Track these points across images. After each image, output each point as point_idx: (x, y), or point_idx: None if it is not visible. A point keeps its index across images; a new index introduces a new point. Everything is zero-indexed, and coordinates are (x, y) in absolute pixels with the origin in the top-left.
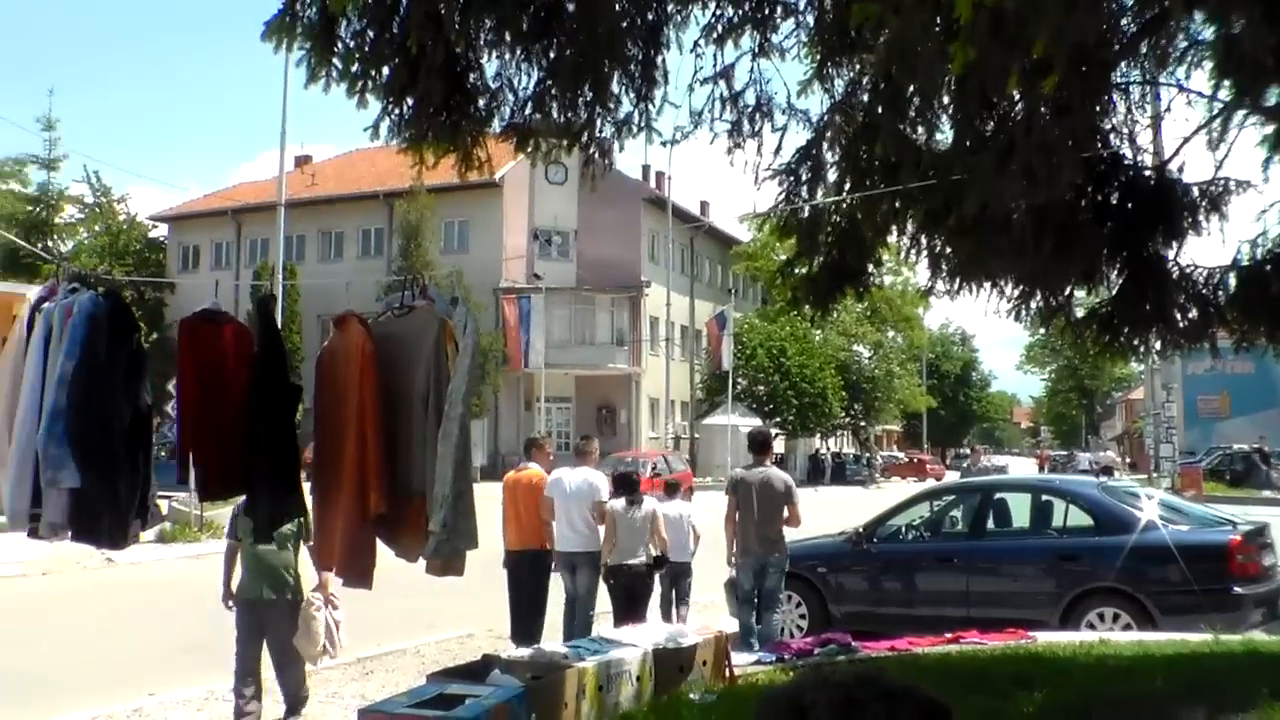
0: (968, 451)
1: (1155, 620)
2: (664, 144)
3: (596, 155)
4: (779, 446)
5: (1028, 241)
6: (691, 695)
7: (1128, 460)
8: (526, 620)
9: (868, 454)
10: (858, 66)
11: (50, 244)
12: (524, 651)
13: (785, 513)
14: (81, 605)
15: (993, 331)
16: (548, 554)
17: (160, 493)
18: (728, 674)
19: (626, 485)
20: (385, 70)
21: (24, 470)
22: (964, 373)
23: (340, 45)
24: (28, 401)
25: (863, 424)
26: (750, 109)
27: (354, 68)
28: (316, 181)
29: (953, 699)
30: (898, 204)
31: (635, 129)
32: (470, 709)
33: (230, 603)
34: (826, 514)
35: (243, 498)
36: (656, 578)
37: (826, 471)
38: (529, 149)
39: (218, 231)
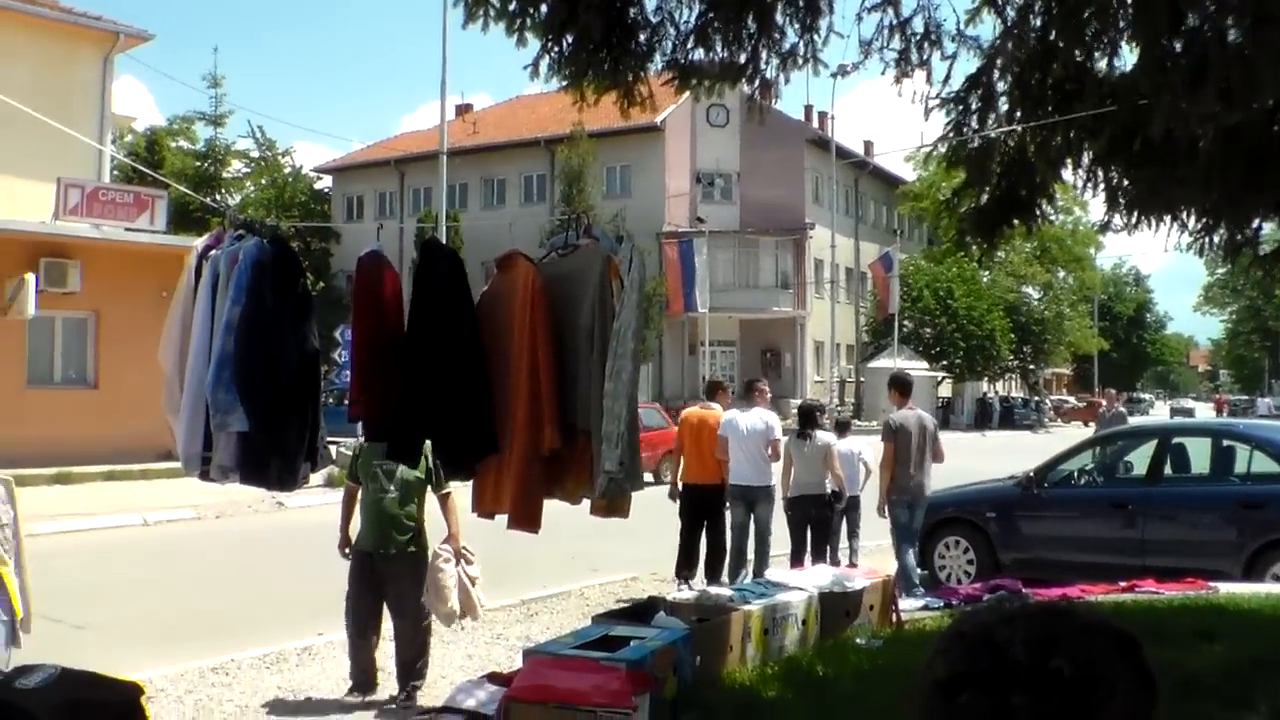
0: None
1: None
2: (832, 76)
3: (760, 91)
4: (946, 390)
5: (1215, 169)
6: (858, 640)
7: None
8: (705, 550)
9: (1036, 398)
10: None
11: (219, 197)
12: (689, 594)
13: (935, 450)
14: (253, 548)
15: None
16: (723, 488)
17: (329, 438)
18: (894, 619)
19: (808, 418)
20: (543, 7)
21: (196, 415)
22: (1138, 314)
23: None
24: (197, 348)
25: (1031, 367)
26: (918, 36)
27: (512, 5)
28: (478, 130)
29: None
30: (1073, 133)
31: (801, 61)
32: (635, 650)
33: (347, 551)
34: (994, 459)
35: (361, 438)
36: (835, 510)
37: (994, 416)
38: (691, 86)
39: (381, 181)
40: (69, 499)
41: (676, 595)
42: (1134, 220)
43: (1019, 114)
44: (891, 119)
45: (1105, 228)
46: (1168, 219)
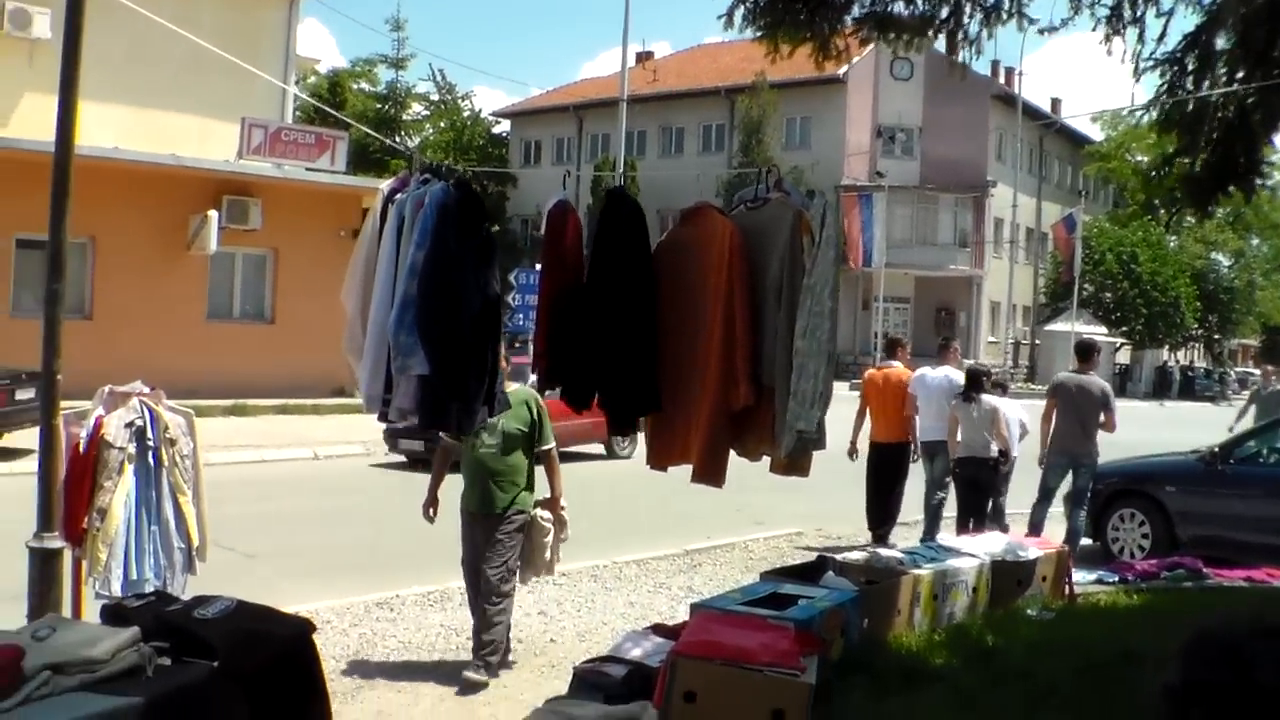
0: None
1: None
2: (1039, 32)
3: (962, 46)
4: (1124, 357)
5: None
6: (1029, 611)
7: None
8: (887, 505)
9: (1221, 369)
10: None
11: (399, 139)
12: (860, 555)
13: (1101, 417)
14: (420, 485)
15: None
16: (909, 445)
17: None
18: (1067, 591)
19: (974, 382)
20: None
21: (379, 357)
22: None
23: None
24: (381, 291)
25: (1217, 337)
26: None
27: None
28: (658, 77)
29: None
30: None
31: (1005, 16)
32: (803, 610)
33: (432, 512)
34: (1172, 429)
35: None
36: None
37: (1173, 385)
38: (889, 40)
39: (559, 127)
40: (243, 430)
41: (846, 556)
42: None
43: (1239, 75)
44: (1080, 76)
45: (1246, 196)
46: None
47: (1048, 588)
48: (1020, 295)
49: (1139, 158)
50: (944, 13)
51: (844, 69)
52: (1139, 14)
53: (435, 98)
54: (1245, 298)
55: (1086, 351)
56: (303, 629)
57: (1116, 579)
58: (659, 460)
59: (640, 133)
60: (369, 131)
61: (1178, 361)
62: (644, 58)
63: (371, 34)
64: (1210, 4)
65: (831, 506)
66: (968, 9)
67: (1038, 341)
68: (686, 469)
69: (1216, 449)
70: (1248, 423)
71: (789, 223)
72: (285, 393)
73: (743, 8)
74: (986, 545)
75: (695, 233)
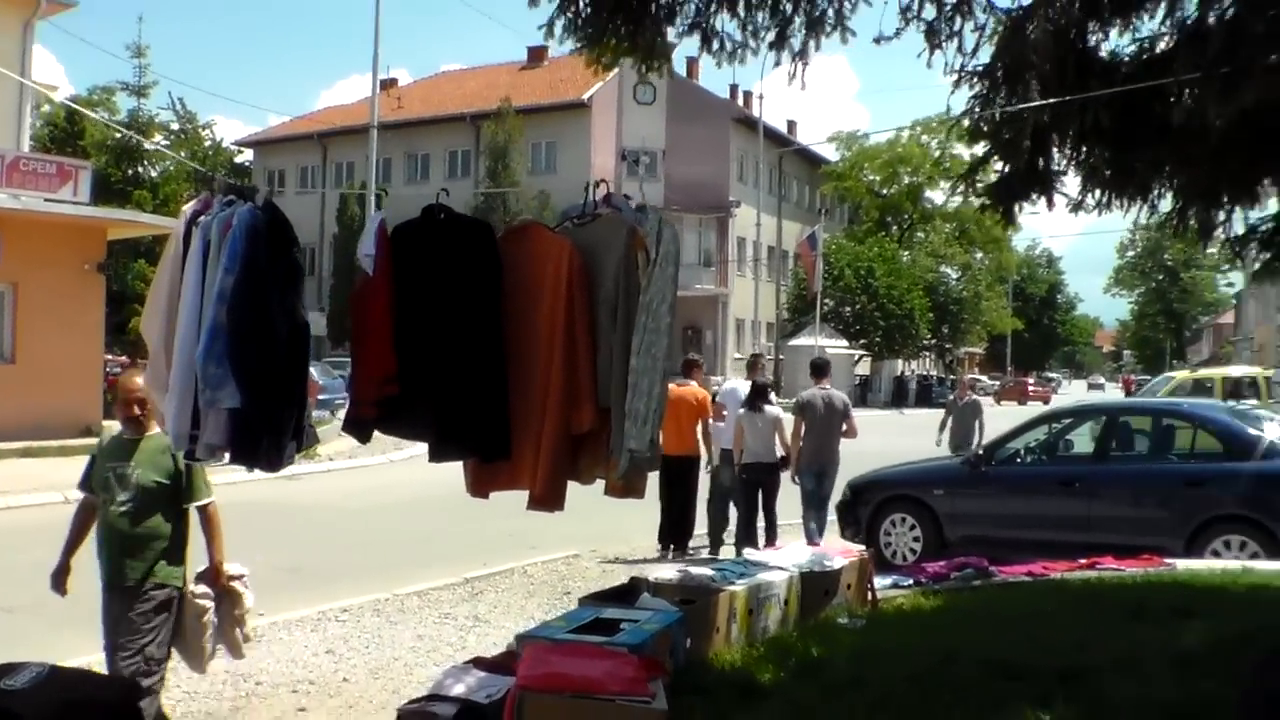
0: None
1: None
2: (875, 41)
3: (791, 58)
4: (864, 368)
5: (1228, 149)
6: (840, 620)
7: None
8: (680, 517)
9: (953, 376)
10: None
11: (141, 169)
12: (670, 574)
13: (844, 427)
14: None
15: (1078, 254)
16: (698, 459)
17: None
18: (870, 597)
19: (760, 393)
20: None
21: (186, 390)
22: (1049, 295)
23: None
24: (187, 319)
25: (948, 346)
26: (950, 8)
27: None
28: (403, 104)
29: (1118, 628)
30: (1086, 111)
31: (829, 29)
32: (633, 634)
33: (63, 581)
34: (915, 436)
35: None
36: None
37: (910, 394)
38: (713, 51)
39: (303, 156)
40: None
41: (658, 576)
42: (1106, 200)
43: (1039, 89)
44: (814, 98)
45: (1077, 207)
46: (1139, 200)
47: (852, 595)
48: (764, 312)
49: (871, 176)
50: (768, 24)
51: (588, 94)
52: (956, 29)
53: (176, 127)
54: (972, 308)
55: (822, 369)
56: (128, 692)
57: (911, 582)
58: (484, 486)
59: (386, 160)
60: (174, 155)
61: (913, 371)
62: (387, 85)
63: (103, 61)
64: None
65: (602, 526)
66: (796, 20)
67: (782, 356)
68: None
69: (980, 452)
70: (948, 434)
71: (622, 239)
72: (29, 434)
73: (564, 18)
74: (793, 557)
75: (525, 251)
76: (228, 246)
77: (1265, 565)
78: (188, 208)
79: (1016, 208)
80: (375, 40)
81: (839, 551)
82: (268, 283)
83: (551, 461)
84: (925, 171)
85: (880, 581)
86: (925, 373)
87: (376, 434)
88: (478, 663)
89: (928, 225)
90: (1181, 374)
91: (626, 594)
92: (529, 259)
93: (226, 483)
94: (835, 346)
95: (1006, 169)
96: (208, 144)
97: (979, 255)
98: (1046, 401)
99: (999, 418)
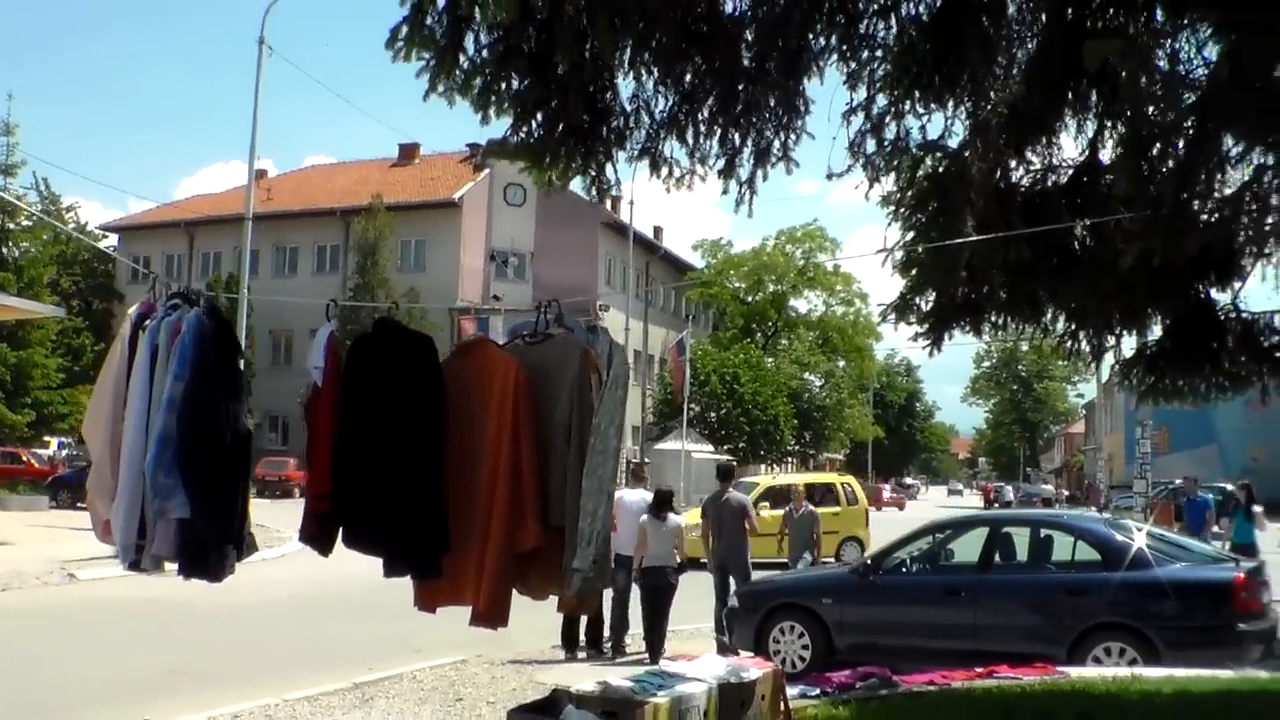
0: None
1: (1160, 655)
2: (828, 177)
3: (738, 186)
4: None
5: (1134, 282)
6: None
7: (1064, 493)
8: (593, 620)
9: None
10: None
11: (5, 251)
12: (592, 687)
13: (745, 525)
14: (50, 625)
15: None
16: None
17: None
18: (784, 709)
19: (664, 502)
20: (514, 82)
21: (134, 500)
22: (908, 403)
23: (465, 57)
24: (135, 427)
25: (811, 452)
26: (889, 144)
27: (477, 80)
28: (273, 196)
29: None
30: (1011, 246)
31: (774, 159)
32: None
33: None
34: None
35: None
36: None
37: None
38: (663, 177)
39: (169, 243)
40: None
41: (579, 688)
42: (1003, 323)
43: (974, 224)
44: (680, 204)
45: (975, 331)
46: (1034, 323)
47: (766, 706)
48: (631, 415)
49: (737, 283)
50: (715, 152)
51: (459, 193)
52: (895, 163)
53: (39, 208)
54: (835, 415)
55: (728, 473)
56: None
57: (818, 692)
58: (430, 601)
59: (254, 251)
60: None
61: (776, 476)
62: (257, 175)
63: None
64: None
65: (483, 630)
66: (745, 151)
67: (648, 460)
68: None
69: (868, 561)
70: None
71: (575, 360)
72: None
73: (519, 136)
74: (709, 669)
75: (474, 368)
76: (177, 352)
77: (1151, 672)
78: (132, 311)
79: (946, 335)
80: (253, 132)
81: (753, 663)
82: (215, 390)
83: (494, 579)
84: (790, 280)
85: (790, 692)
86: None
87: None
88: None
89: (792, 333)
90: (766, 479)
91: (550, 706)
92: (476, 376)
93: (94, 578)
94: (701, 451)
95: (939, 300)
96: (71, 227)
97: (841, 363)
98: (901, 508)
99: None
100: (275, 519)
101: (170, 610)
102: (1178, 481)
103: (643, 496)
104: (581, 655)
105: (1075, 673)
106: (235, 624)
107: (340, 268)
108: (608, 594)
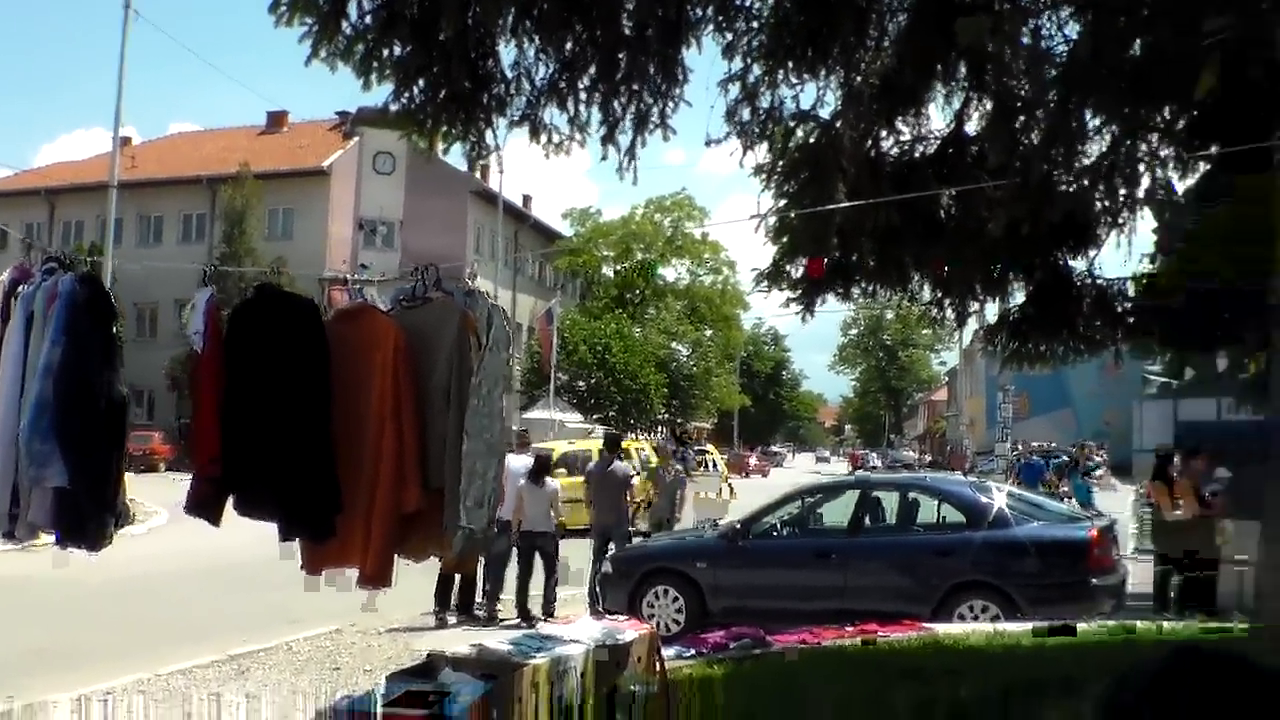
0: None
1: (1021, 611)
2: (707, 144)
3: (618, 153)
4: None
5: (998, 249)
6: (633, 687)
7: (927, 458)
8: (466, 583)
9: (684, 449)
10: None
11: None
12: (469, 650)
13: (626, 496)
14: None
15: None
16: None
17: None
18: (659, 669)
19: (543, 467)
20: (396, 49)
21: (6, 468)
22: (775, 372)
23: (349, 23)
24: (8, 394)
25: (680, 420)
26: (764, 113)
27: (359, 46)
28: (137, 164)
29: (896, 689)
30: (881, 213)
31: (653, 127)
32: (451, 707)
33: None
34: None
35: None
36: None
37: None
38: (543, 144)
39: (28, 211)
40: None
41: (455, 651)
42: (871, 290)
43: (845, 191)
44: (549, 174)
45: (846, 296)
46: (901, 290)
47: (642, 667)
48: None
49: (605, 252)
50: (595, 119)
51: (328, 161)
52: (769, 132)
53: None
54: (703, 384)
55: (615, 443)
56: None
57: (693, 653)
58: (317, 565)
59: (118, 220)
60: None
61: (574, 442)
62: (121, 142)
63: None
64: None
65: (356, 599)
66: (625, 118)
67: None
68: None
69: (738, 525)
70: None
71: (454, 323)
72: None
73: (400, 102)
74: (585, 631)
75: (356, 333)
76: (54, 318)
77: (1012, 626)
78: (5, 276)
79: (818, 301)
80: (118, 97)
81: (628, 625)
82: (91, 356)
83: (381, 540)
84: (658, 249)
85: (665, 652)
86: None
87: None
88: None
89: (660, 302)
90: (561, 445)
91: (427, 670)
92: (357, 340)
93: None
94: (571, 420)
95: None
96: None
97: (708, 332)
98: (765, 475)
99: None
100: (141, 493)
101: (36, 587)
102: (1034, 445)
103: (525, 462)
104: (453, 621)
105: (941, 629)
106: (105, 600)
107: (206, 237)
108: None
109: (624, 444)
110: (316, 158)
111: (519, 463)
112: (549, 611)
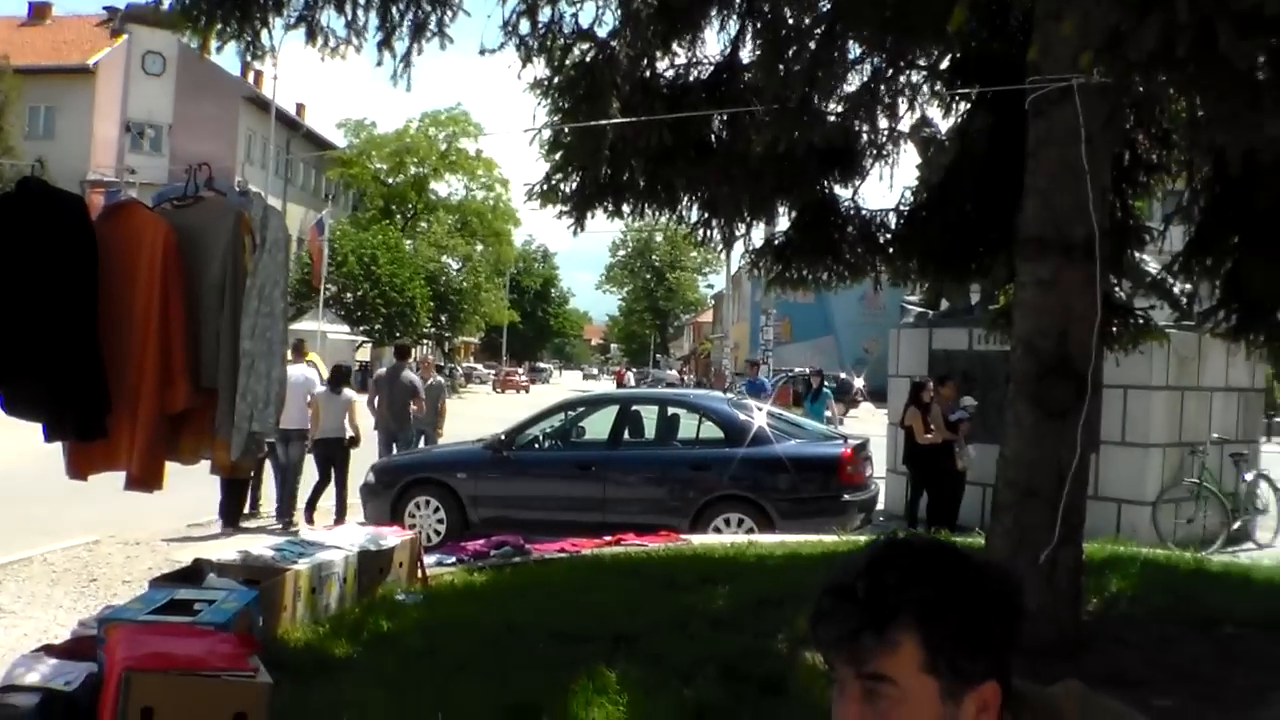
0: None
1: (775, 524)
2: (480, 53)
3: (395, 61)
4: (365, 354)
5: (764, 171)
6: (398, 595)
7: (691, 378)
8: (238, 489)
9: (451, 365)
10: None
11: None
12: (234, 556)
13: (412, 405)
14: None
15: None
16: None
17: None
18: (421, 575)
19: (340, 377)
20: None
21: None
22: (544, 289)
23: None
24: None
25: (448, 334)
26: (543, 26)
27: None
28: None
29: (654, 596)
30: (654, 132)
31: (430, 34)
32: (215, 614)
33: None
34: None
35: None
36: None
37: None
38: (319, 45)
39: None
40: None
41: (221, 557)
42: (640, 210)
43: (619, 108)
44: (323, 82)
45: (617, 214)
46: (669, 211)
47: (404, 573)
48: None
49: (378, 164)
50: (373, 24)
51: (94, 59)
52: (547, 46)
53: None
54: (472, 299)
55: (404, 352)
56: None
57: (454, 560)
58: (83, 468)
59: None
60: None
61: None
62: None
63: None
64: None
65: (117, 510)
66: (402, 25)
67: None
68: None
69: (502, 437)
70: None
71: (229, 224)
72: None
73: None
74: (348, 537)
75: (123, 230)
76: None
77: (765, 538)
78: None
79: (589, 215)
80: None
81: (391, 531)
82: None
83: (148, 441)
84: (432, 163)
85: (427, 560)
86: (423, 358)
87: None
88: (48, 650)
89: (431, 216)
90: None
91: (194, 575)
92: (124, 238)
93: None
94: (338, 332)
95: (582, 180)
96: None
97: (480, 247)
98: (525, 391)
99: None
100: None
101: None
102: (798, 369)
103: (303, 373)
104: (229, 530)
105: (698, 540)
106: None
107: None
108: (271, 470)
109: (308, 354)
110: (81, 54)
111: (298, 372)
112: (341, 516)
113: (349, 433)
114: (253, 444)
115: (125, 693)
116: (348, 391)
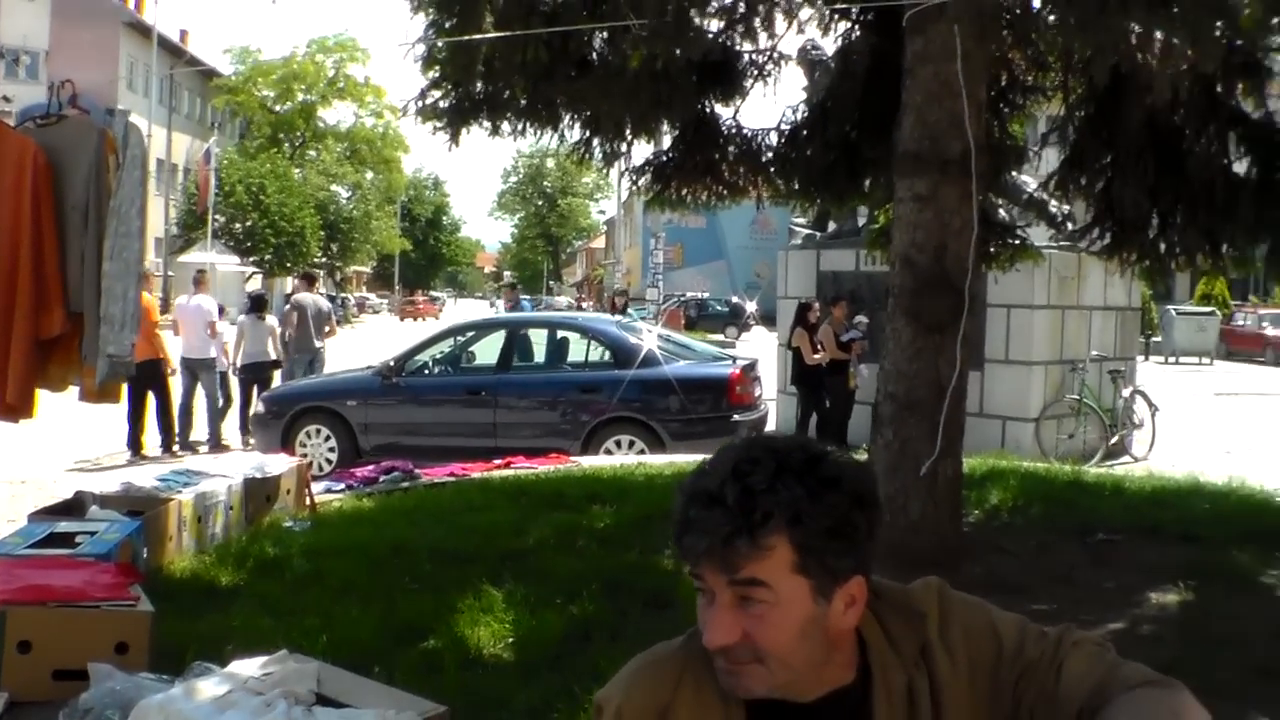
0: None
1: (665, 445)
2: None
3: None
4: (257, 284)
5: (639, 86)
6: (285, 523)
7: (585, 304)
8: (161, 417)
9: (342, 295)
10: None
11: None
12: (117, 488)
13: (326, 328)
14: None
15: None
16: (160, 362)
17: None
18: (309, 501)
19: (259, 303)
20: None
21: None
22: (435, 217)
23: None
24: None
25: (338, 264)
26: None
27: None
28: None
29: (541, 516)
30: (529, 47)
31: None
32: (96, 545)
33: None
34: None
35: None
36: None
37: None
38: None
39: None
40: None
41: (104, 490)
42: (522, 128)
43: (492, 22)
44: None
45: (496, 131)
46: (550, 129)
47: (292, 500)
48: (153, 227)
49: (265, 92)
50: None
51: None
52: None
53: None
54: (363, 227)
55: (311, 279)
56: None
57: (343, 487)
58: None
59: None
60: None
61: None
62: None
63: None
64: None
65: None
66: None
67: (171, 273)
68: None
69: (391, 363)
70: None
71: (93, 142)
72: None
73: None
74: (234, 465)
75: None
76: None
77: (654, 459)
78: None
79: (464, 130)
80: None
81: (278, 458)
82: None
83: (22, 367)
84: (319, 90)
85: (315, 487)
86: (323, 291)
87: None
88: None
89: (320, 144)
90: None
91: (73, 508)
92: None
93: None
94: (226, 263)
95: (457, 95)
96: None
97: (370, 175)
98: (436, 318)
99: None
100: None
101: None
102: (689, 294)
103: (201, 302)
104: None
105: (587, 462)
106: None
107: None
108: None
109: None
110: None
111: (198, 302)
112: (245, 430)
113: (273, 355)
114: (115, 369)
115: (1, 627)
116: (270, 318)
